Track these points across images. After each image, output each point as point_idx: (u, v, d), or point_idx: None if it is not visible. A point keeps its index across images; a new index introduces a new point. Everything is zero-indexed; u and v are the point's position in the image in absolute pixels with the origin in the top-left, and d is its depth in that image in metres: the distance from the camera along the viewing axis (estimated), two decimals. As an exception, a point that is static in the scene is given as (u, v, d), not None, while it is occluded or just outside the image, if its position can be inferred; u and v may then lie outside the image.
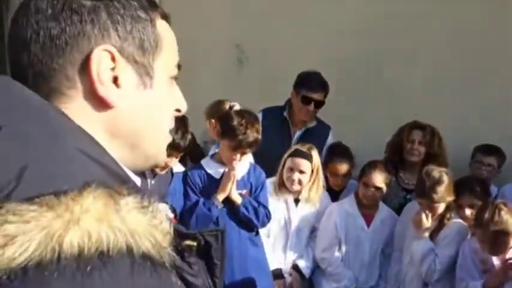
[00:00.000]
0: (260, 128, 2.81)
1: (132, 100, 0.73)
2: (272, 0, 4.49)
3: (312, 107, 3.42)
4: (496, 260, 2.80)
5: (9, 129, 0.59)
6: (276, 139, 3.44)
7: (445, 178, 2.95)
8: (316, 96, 3.42)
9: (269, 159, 3.25)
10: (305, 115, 3.47)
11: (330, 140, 3.61)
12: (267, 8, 4.48)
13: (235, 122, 2.70)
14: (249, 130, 2.70)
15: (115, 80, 0.71)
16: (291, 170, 3.13)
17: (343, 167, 3.43)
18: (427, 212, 2.95)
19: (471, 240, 2.92)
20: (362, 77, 4.26)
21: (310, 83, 3.43)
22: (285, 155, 3.18)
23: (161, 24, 0.76)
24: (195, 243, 0.79)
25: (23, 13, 0.72)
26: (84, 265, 0.53)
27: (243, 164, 2.92)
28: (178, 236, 0.74)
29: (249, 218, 2.87)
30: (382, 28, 4.17)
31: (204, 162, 2.95)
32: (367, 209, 3.26)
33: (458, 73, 4.03)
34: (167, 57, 0.77)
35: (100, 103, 0.71)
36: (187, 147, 2.64)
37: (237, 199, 2.85)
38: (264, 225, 2.96)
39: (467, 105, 3.99)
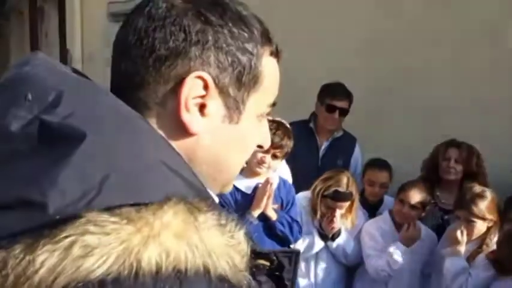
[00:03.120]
0: (292, 138, 2.81)
1: (216, 132, 0.71)
2: (300, 14, 4.44)
3: (336, 115, 3.51)
4: None
5: (94, 137, 0.57)
6: (304, 152, 3.48)
7: (488, 195, 2.87)
8: (341, 104, 3.51)
9: (299, 172, 3.25)
10: (331, 123, 3.55)
11: (357, 151, 3.68)
12: (289, 21, 4.44)
13: None
14: (280, 131, 2.70)
15: (202, 107, 0.68)
16: (331, 208, 3.06)
17: (381, 176, 3.36)
18: (464, 227, 2.82)
19: None
20: (396, 92, 4.19)
21: (334, 92, 3.54)
22: (320, 190, 3.04)
23: (268, 61, 0.73)
24: (267, 263, 0.75)
25: (134, 17, 0.70)
26: (161, 284, 0.51)
27: (273, 178, 2.83)
28: (252, 254, 0.69)
29: (285, 234, 2.80)
30: (417, 44, 4.09)
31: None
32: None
33: (498, 92, 3.92)
34: (263, 95, 0.74)
35: (182, 127, 0.69)
36: None
37: (273, 215, 2.77)
38: (296, 240, 2.90)
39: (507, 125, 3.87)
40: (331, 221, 3.01)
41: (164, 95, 0.68)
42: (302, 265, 3.09)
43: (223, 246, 0.57)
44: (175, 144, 0.68)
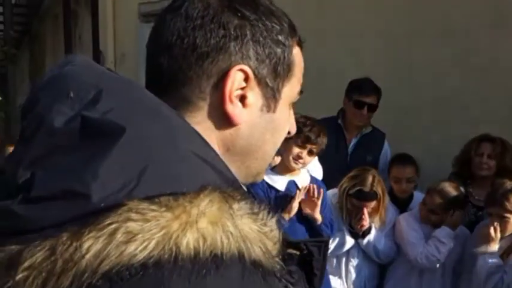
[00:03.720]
0: (326, 135, 2.80)
1: (255, 121, 0.74)
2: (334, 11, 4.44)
3: (365, 110, 3.46)
4: None
5: (132, 132, 0.60)
6: (332, 148, 3.46)
7: None
8: (369, 99, 3.46)
9: (327, 169, 3.25)
10: (359, 119, 3.50)
11: (386, 146, 3.63)
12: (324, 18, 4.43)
13: (301, 120, 2.68)
14: (315, 128, 2.73)
15: (243, 99, 0.72)
16: (357, 207, 3.05)
17: (406, 171, 3.31)
18: (496, 224, 2.78)
19: None
20: (426, 87, 4.13)
21: (362, 87, 3.49)
22: (345, 189, 3.04)
23: (296, 51, 0.78)
24: (297, 252, 0.77)
25: (171, 16, 0.73)
26: (199, 267, 0.54)
27: (304, 178, 2.87)
28: (282, 243, 0.71)
29: (328, 235, 2.82)
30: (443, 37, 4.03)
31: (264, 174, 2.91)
32: (438, 226, 3.10)
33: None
34: (294, 83, 0.78)
35: (225, 119, 0.72)
36: None
37: (319, 217, 2.79)
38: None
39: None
40: (361, 218, 3.00)
41: (207, 89, 0.72)
42: (333, 263, 3.09)
43: (256, 232, 0.60)
44: (217, 135, 0.73)
